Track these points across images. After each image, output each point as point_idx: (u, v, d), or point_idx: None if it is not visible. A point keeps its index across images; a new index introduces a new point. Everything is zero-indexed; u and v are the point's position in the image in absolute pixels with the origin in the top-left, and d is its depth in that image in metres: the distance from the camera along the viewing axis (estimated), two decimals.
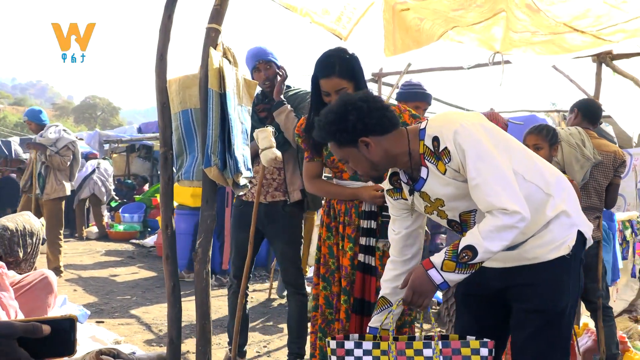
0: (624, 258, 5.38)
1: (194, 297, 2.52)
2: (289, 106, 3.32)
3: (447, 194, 1.96)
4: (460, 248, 1.83)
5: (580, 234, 1.97)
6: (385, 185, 2.21)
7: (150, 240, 9.35)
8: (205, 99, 2.59)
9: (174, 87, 2.82)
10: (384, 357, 1.84)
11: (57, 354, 1.07)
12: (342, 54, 2.71)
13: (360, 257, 2.75)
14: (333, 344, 1.91)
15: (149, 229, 10.62)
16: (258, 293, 5.92)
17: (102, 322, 4.60)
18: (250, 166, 2.81)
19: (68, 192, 6.60)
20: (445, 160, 1.89)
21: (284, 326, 4.56)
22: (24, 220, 2.94)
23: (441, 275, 1.85)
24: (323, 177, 3.00)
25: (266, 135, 2.78)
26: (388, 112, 2.01)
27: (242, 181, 2.70)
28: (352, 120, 1.94)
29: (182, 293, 2.62)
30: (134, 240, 9.94)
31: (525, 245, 1.95)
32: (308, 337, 3.51)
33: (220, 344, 4.13)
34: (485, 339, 1.91)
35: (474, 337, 1.94)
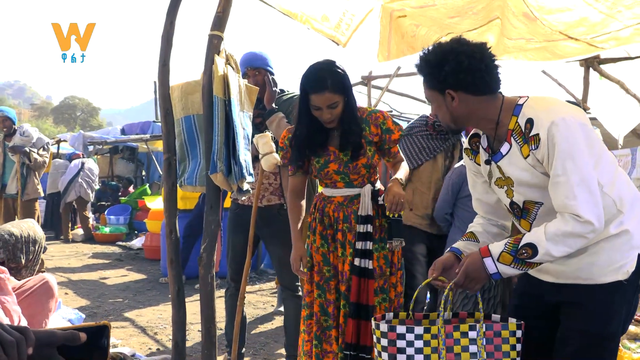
0: None
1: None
2: (280, 114, 3.30)
3: (520, 178, 1.89)
4: (521, 244, 1.79)
5: None
6: (464, 144, 2.14)
7: (137, 242, 9.29)
8: (209, 105, 2.60)
9: (176, 94, 2.84)
10: (434, 341, 1.85)
11: None
12: (333, 68, 2.63)
13: (356, 261, 2.70)
14: (384, 327, 1.87)
15: (136, 231, 10.57)
16: (249, 295, 5.94)
17: None
18: (252, 171, 2.83)
19: (42, 193, 7.20)
20: (532, 146, 1.80)
21: (280, 328, 4.59)
22: (28, 227, 2.94)
23: (496, 266, 1.83)
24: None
25: (266, 141, 2.80)
26: (488, 75, 1.88)
27: (245, 186, 2.74)
28: (446, 71, 1.86)
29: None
30: (120, 243, 9.87)
31: (579, 262, 1.88)
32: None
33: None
34: (520, 321, 1.91)
35: (514, 320, 1.94)
